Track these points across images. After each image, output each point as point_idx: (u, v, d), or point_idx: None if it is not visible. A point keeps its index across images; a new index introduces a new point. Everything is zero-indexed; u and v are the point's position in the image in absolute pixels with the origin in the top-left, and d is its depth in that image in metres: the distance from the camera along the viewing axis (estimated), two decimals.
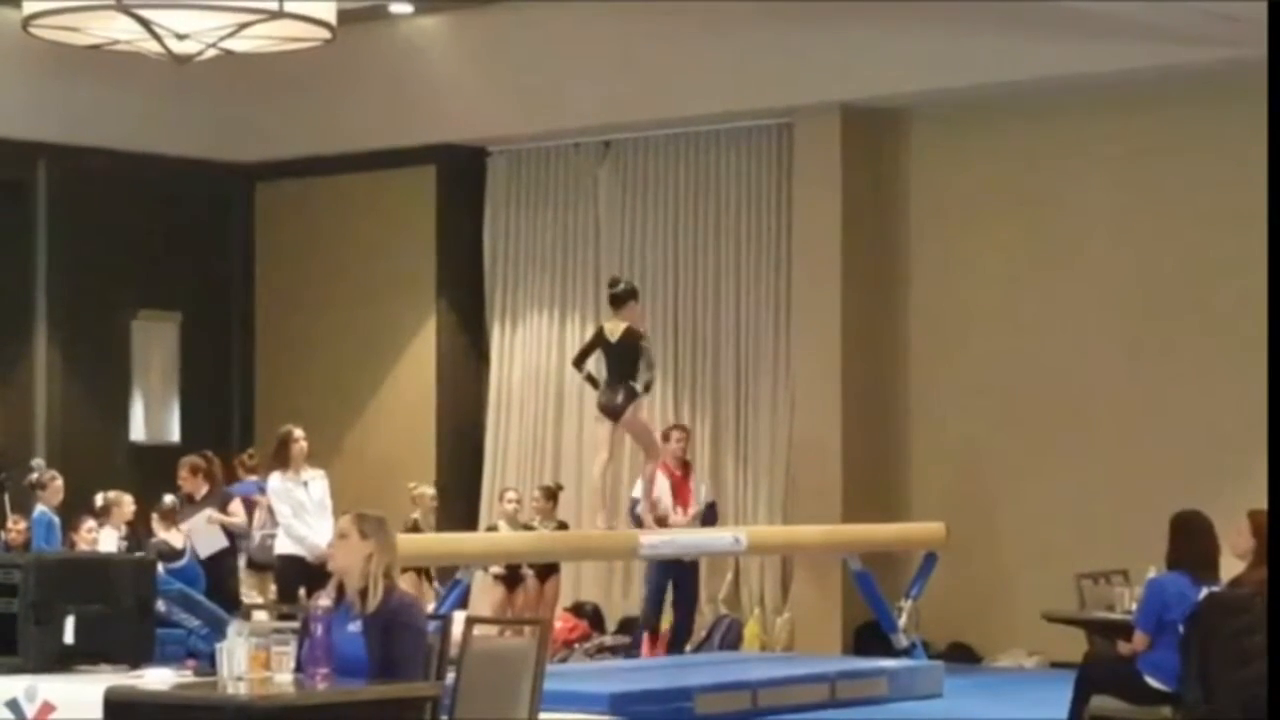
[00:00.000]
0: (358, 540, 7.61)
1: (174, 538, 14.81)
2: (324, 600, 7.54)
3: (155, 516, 14.96)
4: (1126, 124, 15.59)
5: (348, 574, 7.62)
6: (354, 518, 7.70)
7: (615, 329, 13.56)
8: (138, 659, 9.94)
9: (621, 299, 13.70)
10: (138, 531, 15.17)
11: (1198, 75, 14.92)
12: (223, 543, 15.09)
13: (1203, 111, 15.20)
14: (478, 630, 8.02)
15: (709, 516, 15.31)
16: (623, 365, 13.54)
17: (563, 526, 15.69)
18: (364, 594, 7.56)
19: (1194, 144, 15.29)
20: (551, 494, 15.93)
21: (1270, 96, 9.32)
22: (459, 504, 17.72)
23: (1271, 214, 9.03)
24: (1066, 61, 15.10)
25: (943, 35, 15.37)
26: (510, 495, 16.04)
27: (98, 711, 7.43)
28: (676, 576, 15.11)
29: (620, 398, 13.49)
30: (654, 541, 13.67)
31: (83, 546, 14.74)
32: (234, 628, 7.46)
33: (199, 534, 14.96)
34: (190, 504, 15.19)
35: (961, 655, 15.72)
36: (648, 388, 13.83)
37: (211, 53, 12.94)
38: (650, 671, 13.76)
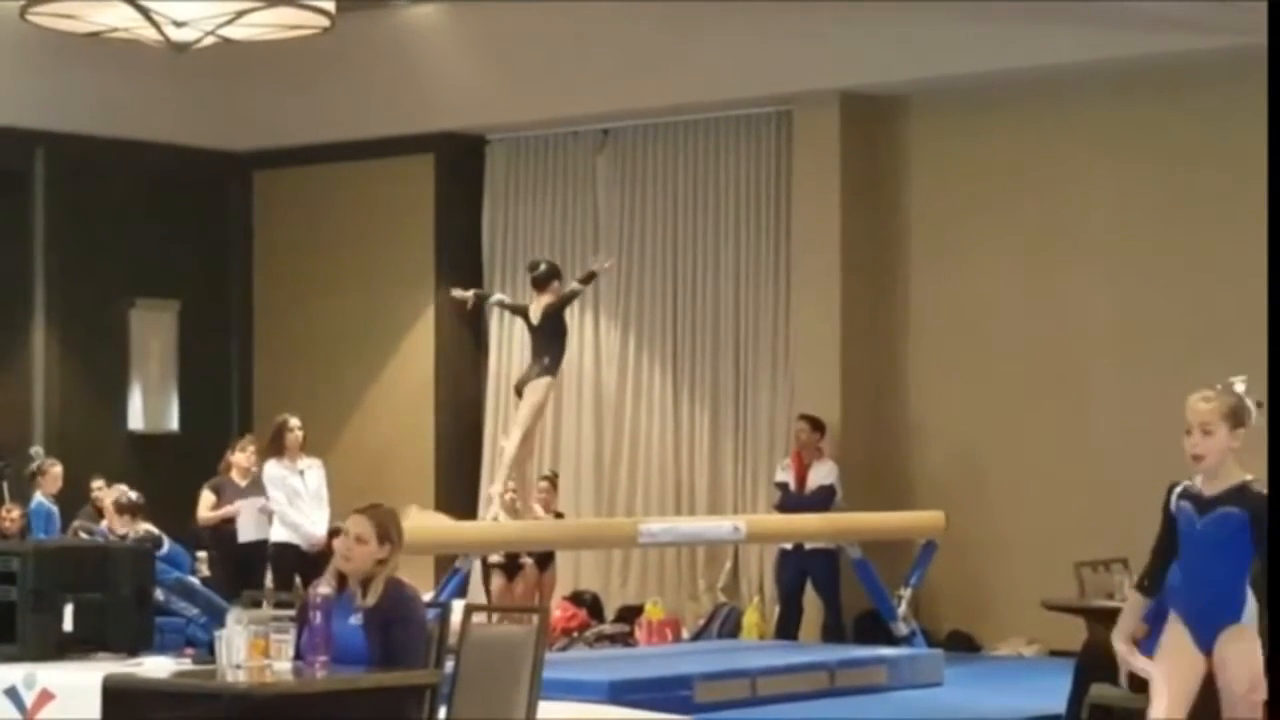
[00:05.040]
0: (376, 546, 7.55)
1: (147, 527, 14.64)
2: (323, 589, 7.52)
3: (111, 508, 14.69)
4: (1128, 112, 15.56)
5: (355, 571, 7.58)
6: (373, 522, 7.60)
7: (537, 311, 13.22)
8: (136, 647, 9.96)
9: (544, 281, 13.29)
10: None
11: (1200, 63, 14.89)
12: (264, 534, 14.90)
13: (1205, 99, 15.17)
14: (477, 618, 8.01)
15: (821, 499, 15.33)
16: (545, 344, 13.22)
17: (559, 516, 15.65)
18: (366, 585, 7.54)
19: (1196, 132, 15.25)
20: (555, 484, 15.89)
21: (1270, 93, 9.29)
22: (458, 493, 17.70)
23: (1271, 206, 9.00)
24: (1067, 49, 15.07)
25: (942, 22, 15.34)
26: (509, 485, 15.99)
27: (96, 699, 7.41)
28: (810, 568, 15.29)
29: (535, 374, 13.14)
30: (654, 529, 13.65)
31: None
32: (233, 616, 7.44)
33: (248, 519, 14.76)
34: (231, 485, 14.99)
35: (961, 643, 15.71)
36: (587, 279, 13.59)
37: (209, 40, 12.94)
38: (649, 660, 13.73)
